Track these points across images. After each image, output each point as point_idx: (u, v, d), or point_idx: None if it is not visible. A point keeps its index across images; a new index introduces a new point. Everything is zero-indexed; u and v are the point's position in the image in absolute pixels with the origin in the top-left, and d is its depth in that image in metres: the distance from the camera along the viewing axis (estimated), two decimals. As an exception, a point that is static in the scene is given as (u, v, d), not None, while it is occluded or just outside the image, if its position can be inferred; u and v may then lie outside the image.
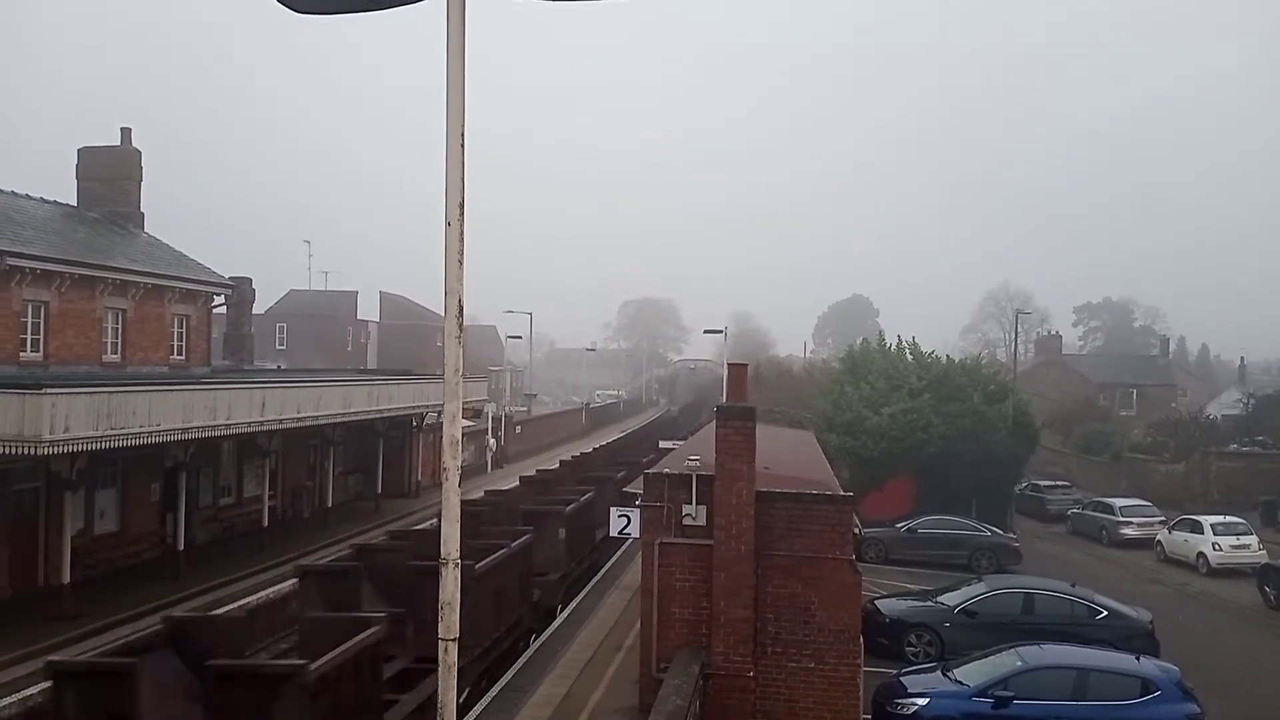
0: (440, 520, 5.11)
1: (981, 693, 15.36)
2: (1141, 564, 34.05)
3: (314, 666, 10.56)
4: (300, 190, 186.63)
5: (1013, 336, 63.31)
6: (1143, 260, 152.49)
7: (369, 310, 77.88)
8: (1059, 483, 47.90)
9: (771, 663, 13.49)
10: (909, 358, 42.33)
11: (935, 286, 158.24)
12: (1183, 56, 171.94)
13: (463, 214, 5.00)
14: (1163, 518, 37.37)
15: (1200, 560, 32.44)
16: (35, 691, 11.07)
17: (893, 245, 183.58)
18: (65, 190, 30.46)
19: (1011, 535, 33.42)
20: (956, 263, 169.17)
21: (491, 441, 48.13)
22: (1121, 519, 38.07)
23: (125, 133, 31.29)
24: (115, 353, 26.18)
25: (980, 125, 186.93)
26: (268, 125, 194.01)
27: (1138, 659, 16.48)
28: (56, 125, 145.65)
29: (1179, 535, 34.24)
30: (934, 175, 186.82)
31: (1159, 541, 35.26)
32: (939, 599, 21.51)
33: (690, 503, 13.79)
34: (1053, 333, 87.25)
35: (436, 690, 11.88)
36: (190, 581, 22.46)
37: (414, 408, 35.43)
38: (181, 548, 23.74)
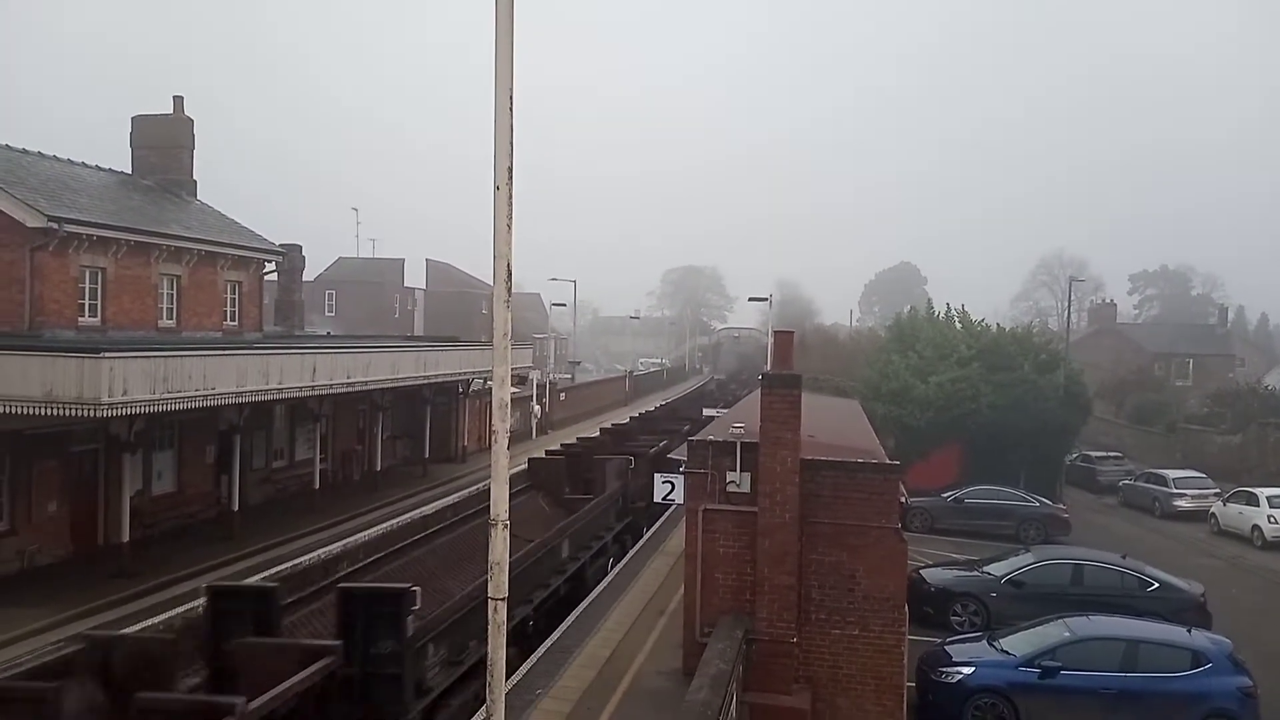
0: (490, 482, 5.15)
1: (1028, 663, 15.27)
2: (1195, 536, 33.50)
3: (254, 706, 8.95)
4: (347, 160, 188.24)
5: (1065, 304, 62.23)
6: (1202, 227, 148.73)
7: (415, 278, 78.69)
8: (1111, 453, 47.15)
9: (815, 629, 13.51)
10: (958, 326, 41.79)
11: (985, 254, 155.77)
12: (1239, 15, 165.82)
13: (511, 178, 4.99)
14: (1217, 490, 36.71)
15: (1255, 533, 31.86)
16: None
17: (942, 212, 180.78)
18: (117, 159, 30.99)
19: (1061, 506, 32.98)
20: (1007, 230, 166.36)
21: (536, 408, 48.48)
22: (1175, 491, 37.43)
23: (177, 101, 31.67)
24: (170, 318, 26.70)
25: (1034, 89, 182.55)
26: (313, 96, 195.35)
27: (1189, 631, 16.28)
28: (105, 97, 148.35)
29: (1234, 507, 33.64)
30: (985, 141, 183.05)
31: (1213, 514, 34.66)
32: (985, 569, 21.36)
33: (735, 470, 13.79)
34: (1107, 301, 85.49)
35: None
36: (245, 542, 23.00)
37: (460, 374, 35.72)
38: (236, 509, 24.31)
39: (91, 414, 17.62)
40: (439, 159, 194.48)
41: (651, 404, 58.30)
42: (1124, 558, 21.45)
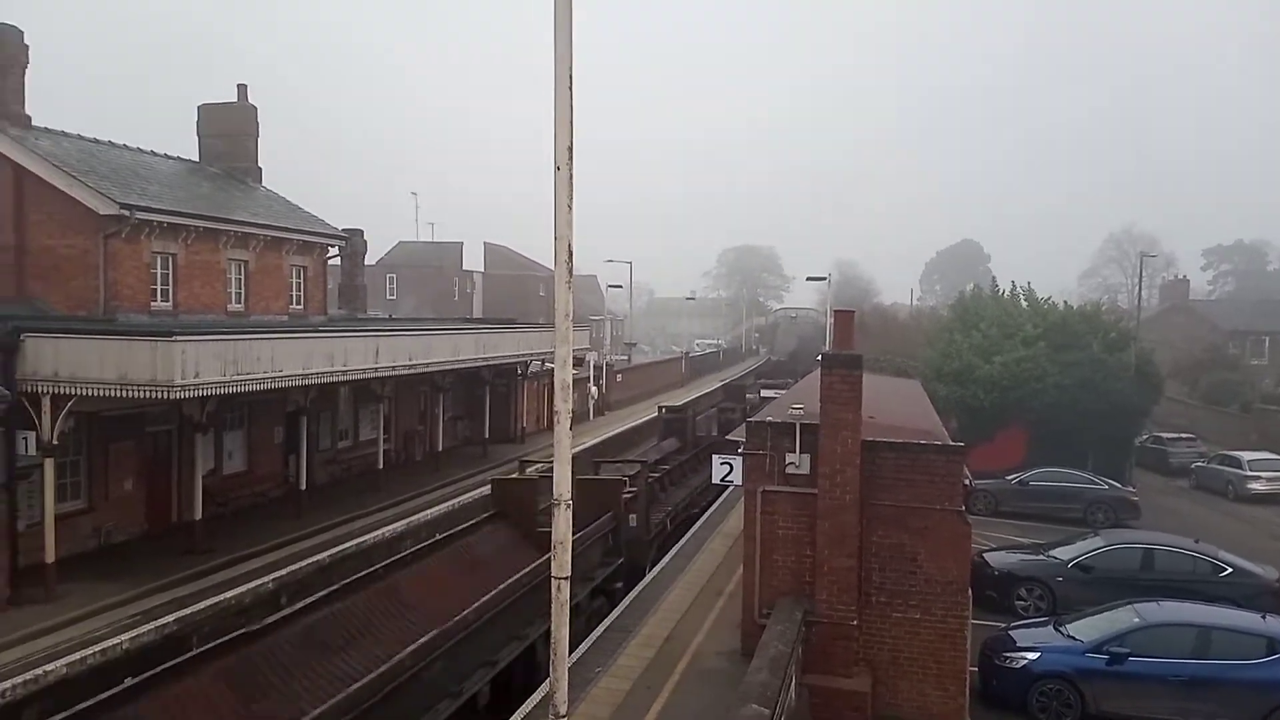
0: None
1: (1096, 649, 14.99)
2: (1270, 520, 32.52)
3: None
4: (407, 144, 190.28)
5: (1136, 281, 60.43)
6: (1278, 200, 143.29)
7: (474, 261, 79.32)
8: (1183, 435, 45.88)
9: (876, 612, 13.42)
10: (1023, 304, 40.91)
11: (1052, 231, 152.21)
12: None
13: (571, 158, 4.98)
14: (1295, 472, 35.57)
15: (1336, 518, 30.87)
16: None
17: (1007, 187, 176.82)
18: (181, 146, 31.61)
19: (1130, 489, 32.22)
20: (1075, 206, 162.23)
21: (594, 389, 48.71)
22: (1249, 473, 36.35)
23: (241, 89, 32.22)
24: (239, 302, 27.30)
25: (1099, 58, 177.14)
26: (378, 84, 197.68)
27: (1264, 618, 15.82)
28: (164, 82, 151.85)
29: (1312, 491, 32.60)
30: (1054, 114, 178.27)
31: (1290, 497, 33.64)
32: (1051, 553, 20.99)
33: (794, 451, 13.71)
34: (1179, 277, 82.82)
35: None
36: (313, 519, 23.53)
37: (519, 356, 35.98)
38: (304, 488, 24.88)
39: (165, 396, 18.09)
40: (498, 143, 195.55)
41: (708, 385, 58.17)
42: (1196, 542, 20.90)
